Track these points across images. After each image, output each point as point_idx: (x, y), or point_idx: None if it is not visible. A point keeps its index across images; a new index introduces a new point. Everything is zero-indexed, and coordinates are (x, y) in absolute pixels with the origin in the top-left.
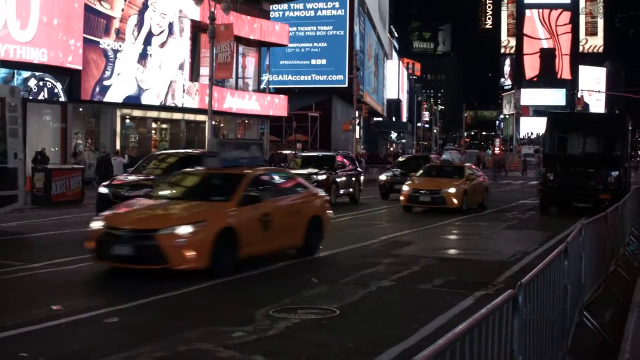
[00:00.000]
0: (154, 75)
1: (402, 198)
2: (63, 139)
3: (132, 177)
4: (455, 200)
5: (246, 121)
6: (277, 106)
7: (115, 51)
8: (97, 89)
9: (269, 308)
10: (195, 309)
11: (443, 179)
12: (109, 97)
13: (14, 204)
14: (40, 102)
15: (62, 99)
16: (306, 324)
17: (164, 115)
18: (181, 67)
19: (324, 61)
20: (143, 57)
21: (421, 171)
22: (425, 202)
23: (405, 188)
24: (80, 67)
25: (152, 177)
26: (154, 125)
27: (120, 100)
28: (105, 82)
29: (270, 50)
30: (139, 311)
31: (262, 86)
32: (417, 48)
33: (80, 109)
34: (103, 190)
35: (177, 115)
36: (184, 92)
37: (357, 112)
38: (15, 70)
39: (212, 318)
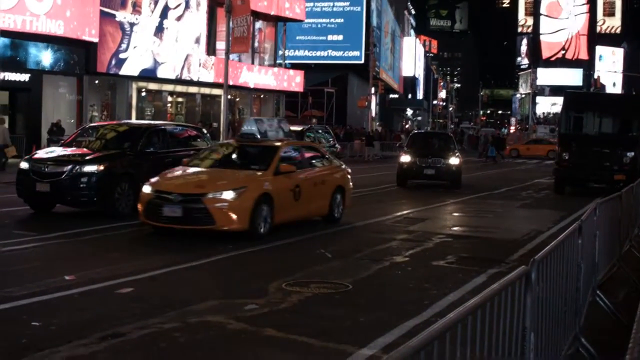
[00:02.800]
0: (170, 49)
1: (139, 207)
2: (79, 111)
3: (57, 152)
4: (232, 216)
5: (262, 96)
6: (293, 81)
7: (132, 24)
8: (113, 62)
9: (282, 281)
10: (209, 281)
11: (227, 172)
12: (125, 70)
13: None
14: (56, 74)
15: (78, 71)
16: (319, 298)
17: (179, 88)
18: (197, 40)
19: (340, 37)
20: (159, 30)
21: (202, 155)
22: (172, 219)
23: (145, 189)
24: (96, 40)
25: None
26: (169, 98)
27: (136, 73)
28: (122, 55)
29: (286, 25)
30: (152, 282)
31: (278, 61)
32: (434, 25)
33: (96, 82)
34: (24, 165)
35: (192, 89)
36: (200, 65)
37: (373, 89)
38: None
39: (224, 290)
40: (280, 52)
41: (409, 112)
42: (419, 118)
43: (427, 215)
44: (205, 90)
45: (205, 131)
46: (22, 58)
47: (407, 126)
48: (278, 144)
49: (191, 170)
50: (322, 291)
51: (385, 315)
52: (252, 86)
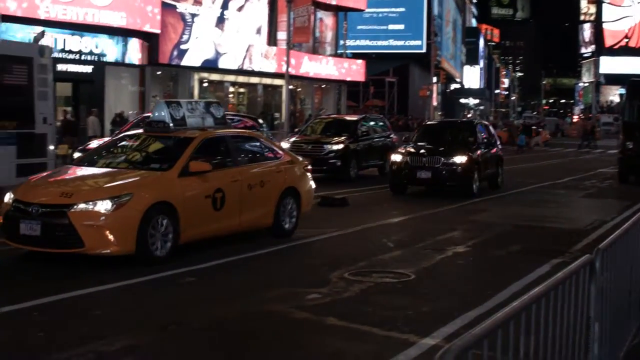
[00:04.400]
0: (232, 39)
1: None
2: (141, 102)
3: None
4: (109, 235)
5: (323, 86)
6: (355, 71)
7: (193, 15)
8: (175, 53)
9: (344, 271)
10: (271, 270)
11: (115, 173)
12: (187, 61)
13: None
14: (118, 65)
15: (140, 62)
16: (381, 288)
17: (241, 79)
18: (258, 31)
19: (401, 26)
20: (220, 21)
21: (100, 150)
22: (29, 239)
23: (6, 197)
24: (158, 31)
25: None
26: (231, 89)
27: (197, 64)
28: (183, 46)
29: (347, 15)
30: (216, 272)
31: (339, 51)
32: (495, 14)
33: (158, 73)
34: (77, 155)
35: (254, 80)
36: (261, 56)
37: (434, 78)
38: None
39: (287, 279)
40: (342, 42)
41: (471, 101)
42: (482, 107)
43: (488, 205)
44: (267, 81)
45: (262, 122)
46: (85, 50)
47: (469, 116)
48: (191, 134)
49: (76, 171)
50: (385, 280)
51: (447, 305)
52: (313, 76)
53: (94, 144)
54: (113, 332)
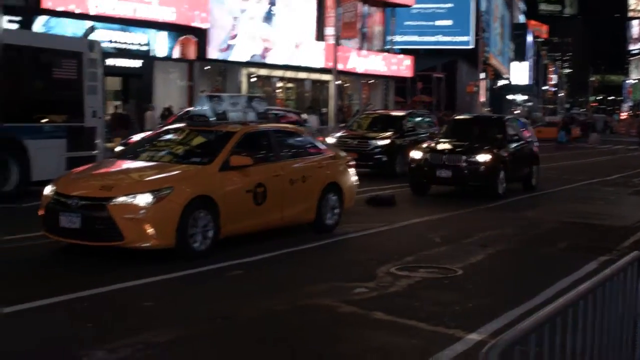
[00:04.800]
0: (279, 35)
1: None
2: (190, 96)
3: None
4: (149, 229)
5: (371, 81)
6: (402, 67)
7: (241, 10)
8: (223, 48)
9: (391, 265)
10: (317, 264)
11: (157, 167)
12: (235, 56)
13: None
14: (167, 60)
15: (188, 57)
16: (428, 283)
17: (289, 74)
18: (306, 26)
19: (449, 22)
20: (268, 16)
21: (144, 144)
22: (69, 232)
23: (46, 190)
24: (207, 26)
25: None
26: (279, 84)
27: (246, 59)
28: (231, 41)
29: (395, 10)
30: (261, 265)
31: (386, 47)
32: (543, 10)
33: (206, 68)
34: (118, 149)
35: (302, 75)
36: (309, 51)
37: (482, 74)
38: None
39: (333, 274)
40: (389, 38)
41: (519, 97)
42: (530, 104)
43: (536, 202)
44: (315, 76)
45: (305, 116)
46: (134, 45)
47: (516, 112)
48: (233, 128)
49: (118, 164)
50: (431, 276)
51: (493, 301)
52: (361, 71)
53: (136, 137)
54: (161, 324)
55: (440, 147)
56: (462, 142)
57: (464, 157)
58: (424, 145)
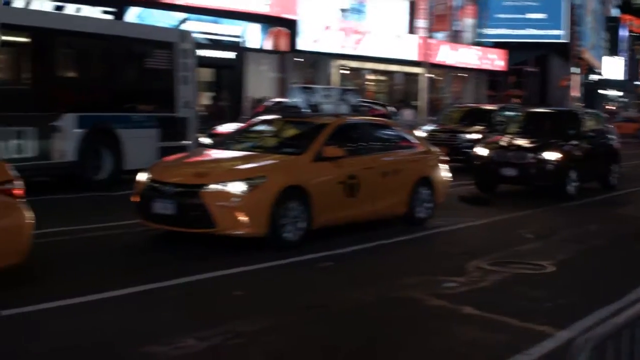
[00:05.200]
0: (371, 27)
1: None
2: (281, 88)
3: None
4: (241, 216)
5: (462, 75)
6: (494, 60)
7: (333, 2)
8: (315, 40)
9: (481, 260)
10: (407, 257)
11: (250, 156)
12: (326, 48)
13: None
14: (259, 52)
15: (281, 49)
16: (518, 279)
17: (380, 67)
18: (398, 19)
19: (541, 15)
20: (360, 8)
21: (239, 134)
22: (163, 218)
23: (140, 176)
24: (299, 18)
25: None
26: (370, 77)
27: (336, 51)
28: (322, 33)
29: (487, 3)
30: (352, 257)
31: (478, 39)
32: (637, 4)
33: (297, 59)
34: (206, 141)
35: (393, 67)
36: (400, 44)
37: (575, 69)
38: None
39: (423, 267)
40: (481, 31)
41: (612, 93)
42: (626, 100)
43: (631, 199)
44: (406, 69)
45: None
46: (227, 36)
47: (610, 107)
48: (326, 120)
49: (211, 153)
50: (522, 272)
51: (585, 298)
52: (452, 64)
53: (222, 128)
54: (251, 313)
55: (506, 143)
56: (531, 138)
57: (530, 155)
58: (491, 140)
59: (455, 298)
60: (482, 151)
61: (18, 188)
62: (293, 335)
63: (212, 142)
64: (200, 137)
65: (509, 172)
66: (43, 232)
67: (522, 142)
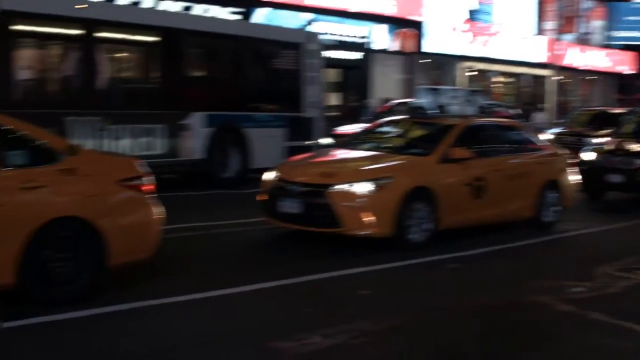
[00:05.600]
0: (498, 29)
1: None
2: (407, 90)
3: None
4: (367, 217)
5: (590, 77)
6: (624, 63)
7: (459, 3)
8: (440, 42)
9: (609, 266)
10: (534, 261)
11: (377, 156)
12: (452, 50)
13: None
14: (385, 53)
15: (407, 50)
16: None
17: (506, 69)
18: (526, 21)
19: None
20: (486, 10)
21: (365, 135)
22: (289, 217)
23: (267, 175)
24: (424, 19)
25: None
26: (497, 79)
27: (463, 53)
28: (449, 35)
29: (616, 5)
30: (479, 259)
31: (607, 42)
32: None
33: (424, 61)
34: (326, 141)
35: (520, 70)
36: (527, 46)
37: None
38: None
39: (550, 271)
40: (610, 33)
41: None
42: None
43: None
44: (533, 71)
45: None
46: (354, 37)
47: None
48: (453, 121)
49: (337, 153)
50: None
51: None
52: (580, 67)
53: (342, 129)
54: (376, 313)
55: (614, 147)
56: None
57: (638, 161)
58: (601, 144)
59: (583, 303)
60: (588, 156)
61: (147, 184)
62: (417, 336)
63: (331, 142)
64: (320, 138)
65: (615, 178)
66: (172, 228)
67: (633, 146)
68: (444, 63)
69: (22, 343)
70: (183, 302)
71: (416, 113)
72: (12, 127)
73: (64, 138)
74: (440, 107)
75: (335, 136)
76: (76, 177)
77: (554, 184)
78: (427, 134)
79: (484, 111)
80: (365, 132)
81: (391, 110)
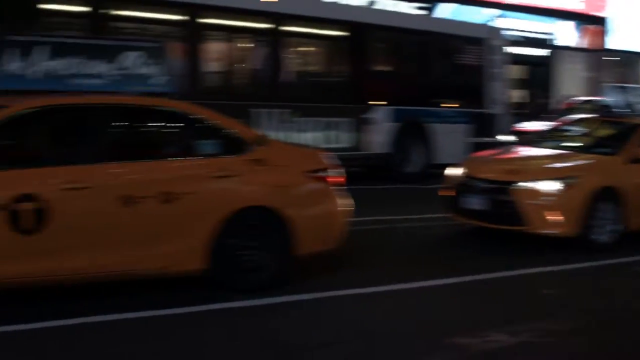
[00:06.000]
0: None
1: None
2: (591, 87)
3: None
4: (551, 216)
5: None
6: None
7: None
8: (627, 39)
9: None
10: None
11: (562, 155)
12: (638, 46)
13: None
14: (570, 49)
15: (594, 47)
16: None
17: None
18: None
19: None
20: None
21: (551, 132)
22: (473, 214)
23: (451, 170)
24: (610, 16)
25: None
26: None
27: None
28: (636, 32)
29: None
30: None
31: None
32: None
33: (605, 58)
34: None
35: None
36: None
37: None
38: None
39: None
40: None
41: None
42: None
43: None
44: None
45: None
46: (540, 33)
47: None
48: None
49: (521, 150)
50: None
51: None
52: None
53: (524, 126)
54: (561, 313)
55: None
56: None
57: None
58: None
59: None
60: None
61: (337, 176)
62: (601, 339)
63: (512, 139)
64: (501, 134)
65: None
66: (357, 220)
67: None
68: (630, 60)
69: (208, 326)
70: (365, 295)
71: (603, 112)
72: (203, 116)
73: (253, 129)
74: (629, 106)
75: (516, 133)
76: (265, 168)
77: None
78: (615, 133)
79: None
80: (550, 129)
81: (575, 108)
